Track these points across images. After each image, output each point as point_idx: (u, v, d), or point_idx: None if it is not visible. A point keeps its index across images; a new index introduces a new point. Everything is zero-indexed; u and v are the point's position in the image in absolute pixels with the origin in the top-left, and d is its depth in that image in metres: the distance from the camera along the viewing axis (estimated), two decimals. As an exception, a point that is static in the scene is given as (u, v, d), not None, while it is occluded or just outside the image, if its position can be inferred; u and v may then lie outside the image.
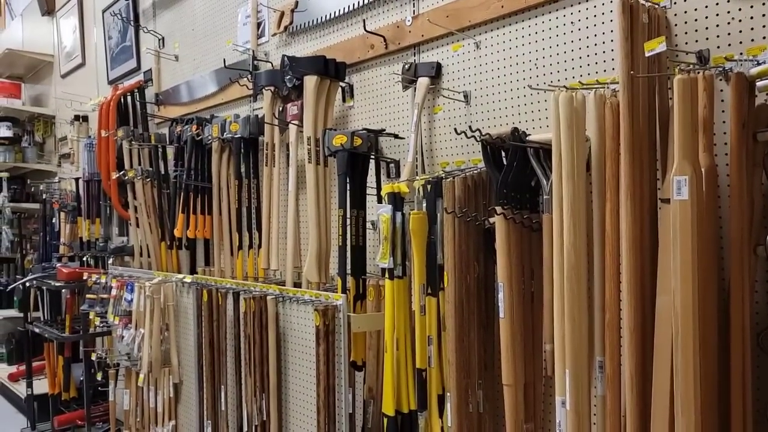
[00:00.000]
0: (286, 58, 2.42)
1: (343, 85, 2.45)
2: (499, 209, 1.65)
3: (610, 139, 1.47)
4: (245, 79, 2.79)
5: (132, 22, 3.91)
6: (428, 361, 1.86)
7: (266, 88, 2.59)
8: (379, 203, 2.06)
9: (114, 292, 3.18)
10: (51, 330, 3.68)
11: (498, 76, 1.92)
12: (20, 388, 4.65)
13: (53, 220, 5.06)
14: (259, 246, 2.76)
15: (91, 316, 3.38)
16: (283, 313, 2.30)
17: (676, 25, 1.51)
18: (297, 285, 2.46)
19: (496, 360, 1.84)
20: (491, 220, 1.75)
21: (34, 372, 4.38)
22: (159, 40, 3.72)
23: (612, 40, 1.62)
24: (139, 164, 3.60)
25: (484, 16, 1.93)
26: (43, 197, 5.32)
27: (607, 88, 1.50)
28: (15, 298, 5.41)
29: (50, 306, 4.21)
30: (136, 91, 3.83)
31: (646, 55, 1.40)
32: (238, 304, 2.41)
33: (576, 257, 1.51)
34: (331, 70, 2.36)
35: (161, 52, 3.68)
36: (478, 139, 1.70)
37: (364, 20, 2.29)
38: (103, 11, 4.35)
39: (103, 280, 3.28)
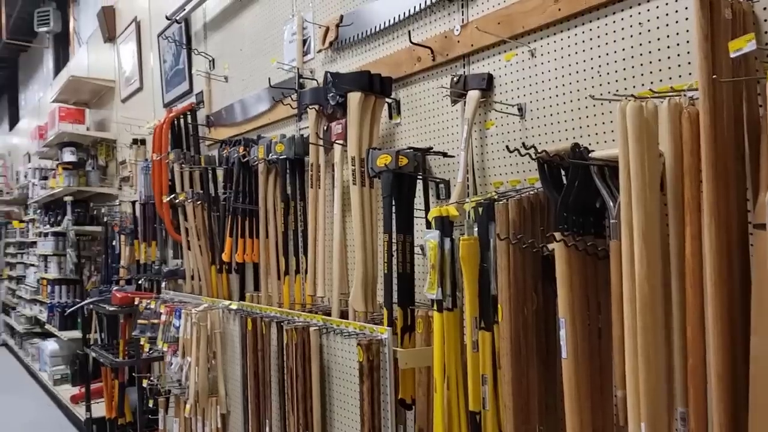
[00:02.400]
0: (328, 75, 2.30)
1: (389, 101, 2.31)
2: (558, 235, 1.46)
3: (689, 154, 1.27)
4: (290, 98, 2.69)
5: (184, 45, 3.90)
6: (482, 403, 1.67)
7: (311, 107, 2.48)
8: (427, 227, 1.90)
9: (163, 317, 3.12)
10: (105, 354, 3.67)
11: (556, 86, 1.73)
12: (81, 411, 4.69)
13: (113, 243, 5.12)
14: (306, 271, 2.65)
15: (142, 342, 3.34)
16: (327, 345, 2.15)
17: (766, 20, 1.29)
18: (344, 313, 2.32)
19: (559, 401, 1.63)
20: (550, 246, 1.56)
21: (94, 395, 4.40)
22: (209, 61, 3.68)
23: (688, 41, 1.41)
24: (191, 187, 3.56)
25: (539, 21, 1.75)
26: (105, 220, 5.41)
27: (684, 95, 1.30)
28: (78, 320, 5.50)
29: (108, 329, 4.23)
30: (188, 113, 3.81)
31: (731, 56, 1.19)
32: (281, 334, 2.29)
33: (649, 290, 1.30)
34: (376, 85, 2.22)
35: (211, 73, 3.64)
36: (533, 156, 1.51)
37: (409, 31, 2.15)
38: (159, 35, 4.38)
39: (153, 306, 3.23)
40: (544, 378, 1.67)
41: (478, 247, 1.67)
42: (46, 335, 6.71)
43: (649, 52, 1.50)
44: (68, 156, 5.59)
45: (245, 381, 2.58)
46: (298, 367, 2.14)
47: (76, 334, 5.49)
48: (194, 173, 3.54)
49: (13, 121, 12.52)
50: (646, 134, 1.29)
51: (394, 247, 2.02)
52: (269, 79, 2.67)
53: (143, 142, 4.73)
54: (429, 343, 1.94)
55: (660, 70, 1.48)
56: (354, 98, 2.21)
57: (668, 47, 1.46)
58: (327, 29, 2.61)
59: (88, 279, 5.96)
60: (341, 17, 2.55)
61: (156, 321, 3.23)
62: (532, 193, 1.65)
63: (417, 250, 2.08)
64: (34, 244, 7.25)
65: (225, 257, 3.09)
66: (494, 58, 1.92)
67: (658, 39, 1.48)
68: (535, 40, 1.79)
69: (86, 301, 3.90)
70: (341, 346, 2.08)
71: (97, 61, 6.17)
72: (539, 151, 1.52)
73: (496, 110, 1.90)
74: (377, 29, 2.36)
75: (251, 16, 3.26)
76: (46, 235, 6.46)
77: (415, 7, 2.18)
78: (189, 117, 3.80)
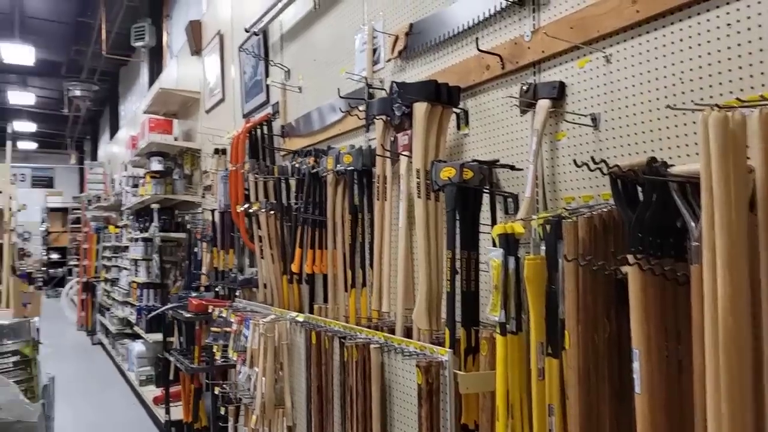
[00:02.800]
0: (394, 85, 2.24)
1: (456, 111, 2.22)
2: (632, 258, 1.33)
3: (783, 171, 1.11)
4: (358, 108, 2.65)
5: (261, 57, 3.96)
6: (548, 435, 1.55)
7: (378, 117, 2.43)
8: (492, 245, 1.80)
9: (234, 326, 3.15)
10: (182, 359, 3.75)
11: (633, 94, 1.60)
12: (162, 413, 4.84)
13: (195, 249, 5.27)
14: (372, 284, 2.60)
15: (214, 349, 3.39)
16: (388, 363, 2.08)
17: None
18: (409, 330, 2.24)
19: (634, 438, 1.49)
20: (624, 269, 1.42)
21: (173, 397, 4.52)
22: (285, 72, 3.72)
23: (783, 42, 1.26)
24: (264, 196, 3.60)
25: (615, 25, 1.62)
26: (188, 227, 5.59)
27: (777, 104, 1.15)
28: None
29: (186, 335, 4.33)
30: (264, 123, 3.86)
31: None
32: (343, 350, 2.24)
33: (735, 321, 1.16)
34: (443, 95, 2.14)
35: (286, 84, 3.67)
36: (605, 171, 1.39)
37: (477, 39, 2.06)
38: (239, 48, 4.47)
39: (224, 315, 3.28)
40: (617, 413, 1.53)
41: (545, 268, 1.56)
42: (135, 336, 7.01)
43: (739, 56, 1.35)
44: (156, 165, 5.82)
45: (309, 395, 2.55)
46: (358, 385, 2.09)
47: (160, 337, 5.68)
48: (268, 183, 3.58)
49: (114, 130, 13.27)
50: (732, 148, 1.14)
51: (458, 264, 1.93)
52: (338, 89, 2.65)
53: (224, 151, 4.84)
54: (494, 366, 1.83)
55: (751, 75, 1.33)
56: (420, 108, 2.13)
57: (761, 50, 1.30)
58: (396, 38, 2.56)
59: (173, 283, 6.17)
60: (410, 26, 2.48)
61: (228, 329, 3.27)
62: (605, 210, 1.52)
63: (483, 267, 1.98)
64: (126, 248, 7.60)
65: (294, 268, 3.09)
66: (566, 65, 1.80)
67: (749, 41, 1.32)
68: (610, 45, 1.66)
69: (166, 307, 4.02)
70: (402, 366, 2.01)
71: (185, 74, 6.40)
72: (611, 165, 1.39)
73: (567, 121, 1.78)
74: (446, 37, 2.28)
75: (325, 26, 3.26)
76: (136, 240, 6.75)
77: (484, 13, 2.09)
78: (265, 127, 3.85)
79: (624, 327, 1.51)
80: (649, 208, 1.34)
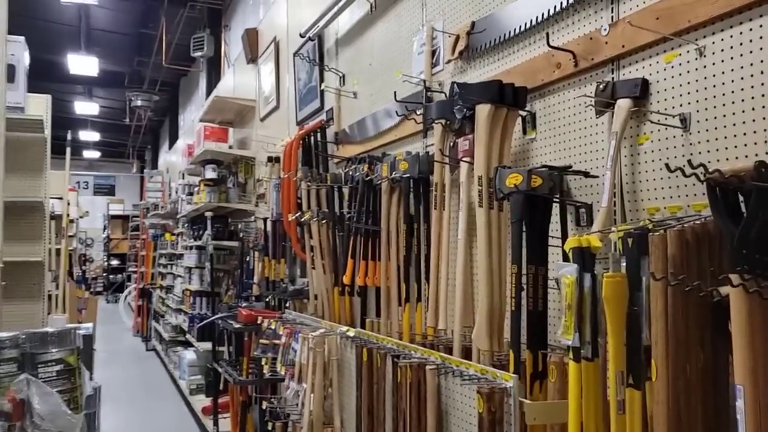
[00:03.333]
0: (455, 86, 2.09)
1: (522, 113, 2.05)
2: (735, 278, 1.14)
3: None
4: (415, 112, 2.51)
5: (316, 62, 3.87)
6: (629, 478, 1.36)
7: (437, 121, 2.28)
8: (564, 260, 1.62)
9: (283, 339, 3.04)
10: (231, 371, 3.67)
11: (731, 90, 1.40)
12: (210, 424, 4.77)
13: (247, 258, 5.22)
14: (428, 299, 2.44)
15: (263, 362, 3.29)
16: (445, 386, 1.92)
17: None
18: (467, 350, 2.08)
19: (731, 487, 1.29)
20: (723, 291, 1.23)
21: (222, 408, 4.45)
22: (340, 77, 3.61)
23: None
24: (317, 205, 3.49)
25: (710, 13, 1.43)
26: (241, 236, 5.55)
27: None
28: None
29: (235, 346, 4.26)
30: (317, 130, 3.77)
31: None
32: (396, 369, 2.09)
33: None
34: (507, 96, 1.98)
35: (341, 89, 3.57)
36: (703, 178, 1.20)
37: (547, 33, 1.89)
38: (294, 54, 4.40)
39: (273, 327, 3.17)
40: (711, 456, 1.33)
41: (626, 287, 1.38)
42: (187, 344, 7.02)
43: None
44: (210, 173, 5.82)
45: (359, 416, 2.40)
46: (411, 409, 1.93)
47: (211, 346, 5.65)
48: (320, 191, 3.47)
49: (173, 140, 13.54)
50: None
51: (524, 280, 1.76)
52: (395, 93, 2.51)
53: (277, 159, 4.77)
54: (564, 394, 1.64)
55: None
56: (483, 111, 1.98)
57: None
58: (457, 38, 2.41)
59: (226, 292, 6.15)
60: (472, 24, 2.33)
61: (277, 342, 3.16)
62: (698, 222, 1.32)
63: (552, 283, 1.80)
64: (181, 256, 7.66)
65: (346, 279, 2.96)
66: (650, 60, 1.61)
67: None
68: (704, 36, 1.47)
69: (216, 316, 3.96)
70: (461, 390, 1.84)
71: (241, 83, 6.41)
72: (710, 170, 1.20)
73: (651, 122, 1.59)
74: (511, 35, 2.12)
75: (381, 28, 3.14)
76: (190, 248, 6.78)
77: (555, 7, 1.92)
78: (318, 134, 3.76)
79: (721, 357, 1.31)
80: (757, 221, 1.15)
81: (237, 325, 3.49)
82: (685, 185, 1.50)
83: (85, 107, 14.68)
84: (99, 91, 14.77)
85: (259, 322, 3.24)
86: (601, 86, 1.70)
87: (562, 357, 1.67)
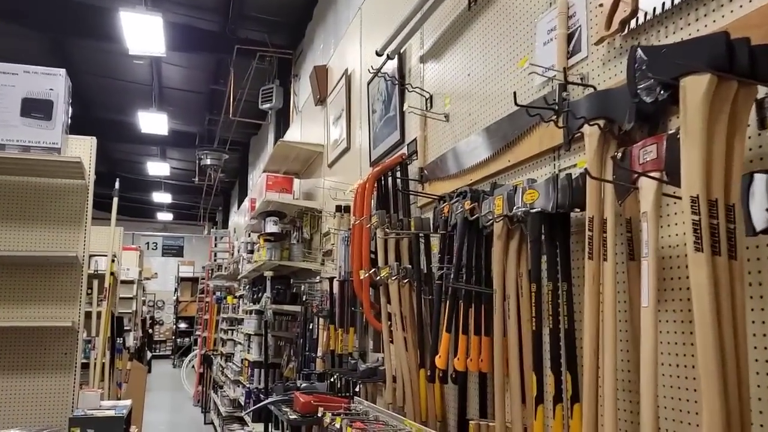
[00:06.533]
0: (639, 52, 1.27)
1: (763, 89, 1.21)
2: None
3: None
4: (542, 118, 1.71)
5: (396, 79, 3.15)
6: None
7: (591, 123, 1.47)
8: None
9: (351, 443, 2.20)
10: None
11: None
12: None
13: (310, 326, 4.44)
14: (576, 399, 1.58)
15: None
16: None
17: None
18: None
19: None
20: None
21: None
22: (426, 100, 2.86)
23: None
24: (396, 259, 2.69)
25: None
26: (304, 299, 4.79)
27: None
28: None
29: (293, 435, 3.44)
30: (397, 167, 3.01)
31: None
32: None
33: None
34: (740, 60, 1.15)
35: (428, 113, 2.81)
36: None
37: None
38: (368, 83, 3.72)
39: (338, 425, 2.33)
40: None
41: None
42: (244, 422, 6.22)
43: None
44: (271, 226, 5.13)
45: None
46: None
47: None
48: (401, 242, 2.68)
49: (242, 200, 13.19)
50: None
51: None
52: (514, 94, 1.73)
53: (347, 209, 4.04)
54: None
55: None
56: (696, 86, 1.15)
57: None
58: (615, 3, 1.61)
59: (287, 364, 5.36)
60: (642, -23, 1.54)
61: (344, 443, 2.31)
62: None
63: None
64: (241, 321, 6.97)
65: (439, 362, 2.11)
66: None
67: None
68: None
69: (268, 401, 3.17)
70: None
71: (309, 130, 5.83)
72: None
73: None
74: (726, -28, 1.31)
75: (483, 26, 2.38)
76: (250, 312, 6.08)
77: None
78: (398, 172, 3.00)
79: None
80: None
81: (292, 416, 2.68)
82: None
83: (157, 168, 14.63)
84: (171, 151, 14.74)
85: (320, 414, 2.42)
86: None
87: None
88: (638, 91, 1.25)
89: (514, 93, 1.74)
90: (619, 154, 1.40)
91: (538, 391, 1.66)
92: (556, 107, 1.67)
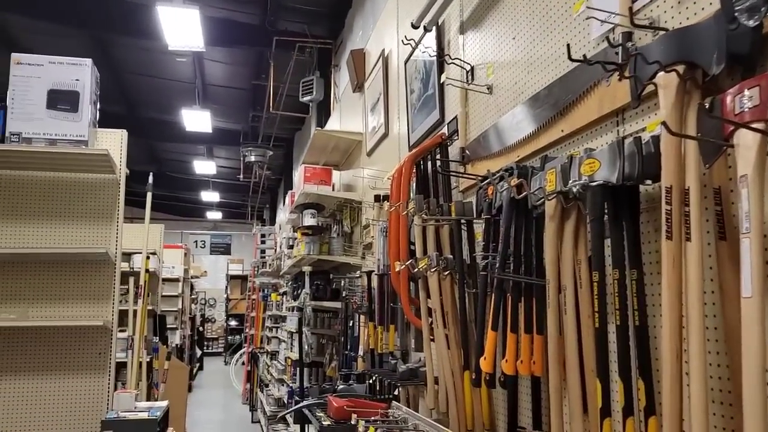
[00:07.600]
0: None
1: None
2: None
3: None
4: (606, 69, 1.41)
5: (434, 50, 2.88)
6: None
7: (668, 69, 1.18)
8: None
9: (387, 455, 1.95)
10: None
11: None
12: None
13: (351, 323, 4.22)
14: (652, 412, 1.29)
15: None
16: None
17: None
18: None
19: None
20: None
21: None
22: (466, 72, 2.59)
23: None
24: (436, 249, 2.43)
25: None
26: (344, 295, 4.57)
27: None
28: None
29: (330, 440, 3.21)
30: (436, 148, 2.74)
31: None
32: None
33: None
34: None
35: (469, 85, 2.53)
36: None
37: None
38: (405, 61, 3.46)
39: (372, 433, 2.09)
40: None
41: None
42: (287, 422, 6.05)
43: None
44: (309, 219, 4.92)
45: None
46: None
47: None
48: (441, 229, 2.41)
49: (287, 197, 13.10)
50: None
51: None
52: (568, 46, 1.45)
53: (386, 198, 3.79)
54: None
55: None
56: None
57: None
58: (692, -76, 1.30)
59: (329, 363, 5.16)
60: None
61: (381, 453, 2.07)
62: None
63: None
64: (285, 318, 6.81)
65: (484, 365, 1.84)
66: None
67: None
68: None
69: (301, 404, 2.95)
70: None
71: (347, 119, 5.60)
72: None
73: None
74: None
75: (529, -18, 2.09)
76: (292, 309, 5.89)
77: None
78: (438, 153, 2.73)
79: None
80: None
81: (325, 422, 2.46)
82: None
83: (203, 166, 14.68)
84: (217, 150, 14.78)
85: (353, 422, 2.19)
86: None
87: None
88: (736, 13, 0.95)
89: (568, 45, 1.46)
90: (707, 104, 1.11)
91: (604, 402, 1.37)
92: (620, 54, 1.38)
